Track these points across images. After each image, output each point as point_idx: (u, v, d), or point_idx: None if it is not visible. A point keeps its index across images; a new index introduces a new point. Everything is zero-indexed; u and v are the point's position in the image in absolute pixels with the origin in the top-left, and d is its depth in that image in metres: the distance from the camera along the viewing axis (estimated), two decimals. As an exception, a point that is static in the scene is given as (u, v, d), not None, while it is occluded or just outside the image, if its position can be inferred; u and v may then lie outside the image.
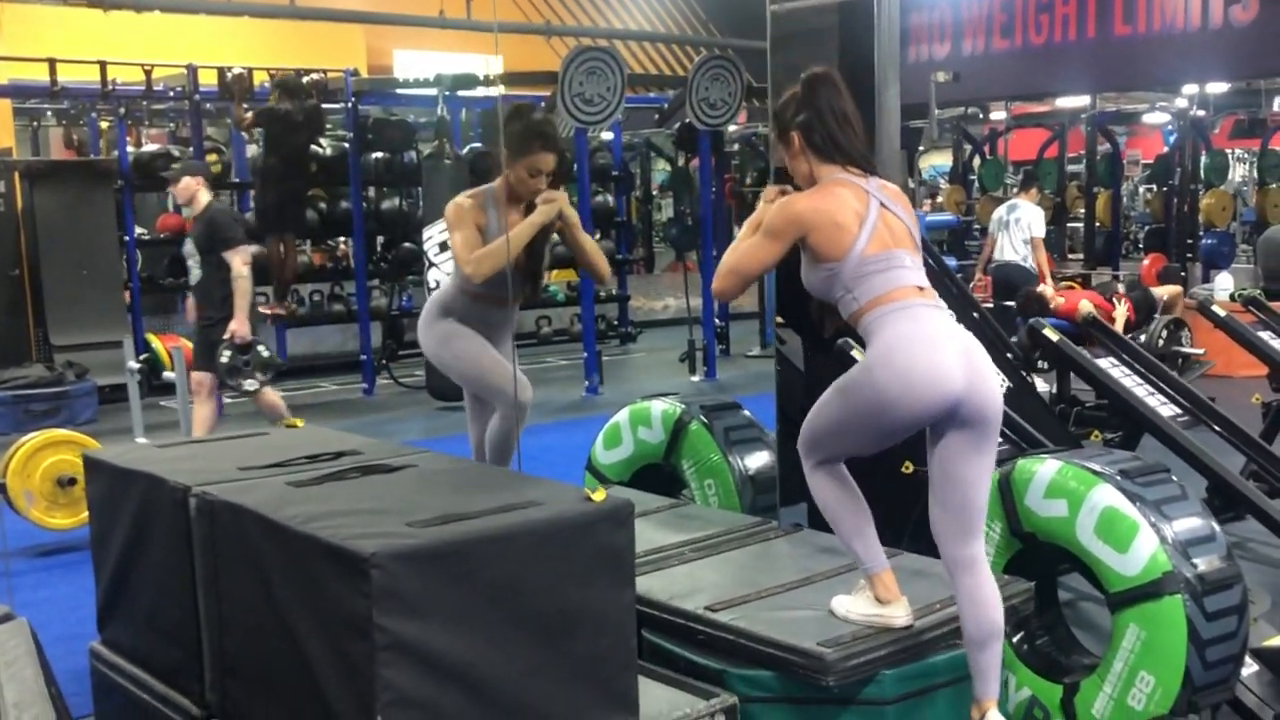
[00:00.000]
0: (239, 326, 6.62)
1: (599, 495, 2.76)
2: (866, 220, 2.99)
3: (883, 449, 3.10)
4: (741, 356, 12.47)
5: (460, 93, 11.17)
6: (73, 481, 5.92)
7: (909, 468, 4.18)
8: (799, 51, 4.44)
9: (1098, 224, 13.41)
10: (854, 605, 3.14)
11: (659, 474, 4.81)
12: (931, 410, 2.90)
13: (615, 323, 13.18)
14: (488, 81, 11.95)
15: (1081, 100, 13.44)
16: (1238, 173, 15.98)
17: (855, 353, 4.13)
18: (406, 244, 11.21)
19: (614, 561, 2.74)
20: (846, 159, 3.09)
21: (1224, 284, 9.59)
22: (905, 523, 4.25)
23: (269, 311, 10.48)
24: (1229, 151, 14.55)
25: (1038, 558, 3.60)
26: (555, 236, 4.34)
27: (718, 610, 3.23)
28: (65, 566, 5.79)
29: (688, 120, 11.42)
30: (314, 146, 10.41)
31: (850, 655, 2.94)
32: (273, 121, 9.80)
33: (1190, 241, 12.45)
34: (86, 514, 5.69)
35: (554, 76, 10.39)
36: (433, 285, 9.53)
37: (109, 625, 3.42)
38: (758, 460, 4.51)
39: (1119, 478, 3.33)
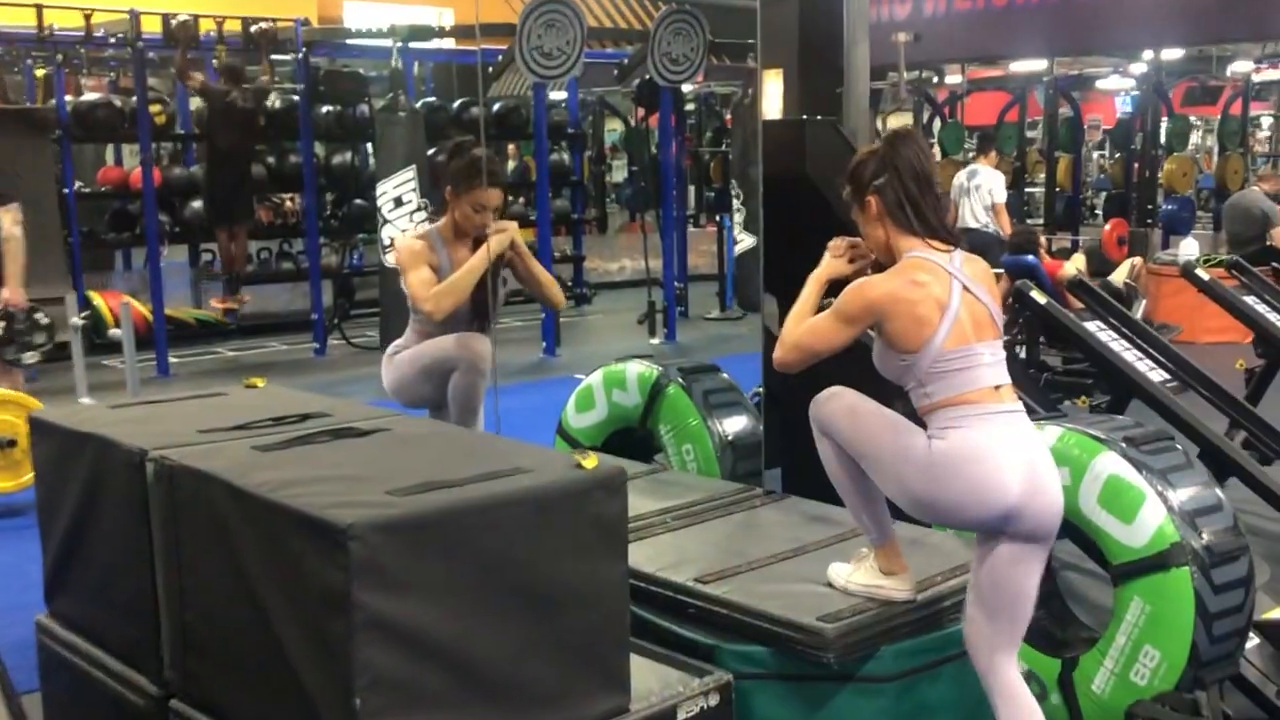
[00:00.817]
0: (12, 294, 6.09)
1: (590, 461, 2.59)
2: (948, 310, 2.75)
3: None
4: (701, 319, 12.32)
5: (414, 45, 10.87)
6: (12, 443, 5.66)
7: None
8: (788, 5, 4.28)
9: (1058, 189, 13.37)
10: (854, 575, 3.01)
11: (632, 439, 4.66)
12: (976, 522, 2.73)
13: (570, 284, 12.97)
14: (443, 33, 11.67)
15: (1038, 64, 13.37)
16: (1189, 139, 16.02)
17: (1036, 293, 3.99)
18: (358, 200, 10.93)
19: (606, 532, 2.58)
20: (929, 231, 2.84)
21: (1189, 249, 9.56)
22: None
23: (221, 306, 10.19)
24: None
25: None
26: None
27: (708, 582, 3.09)
28: (4, 532, 5.54)
29: (647, 76, 11.20)
30: (259, 132, 10.19)
31: (850, 630, 2.81)
32: (216, 109, 9.53)
33: (1150, 207, 12.45)
34: (26, 477, 5.49)
35: (511, 29, 10.13)
36: (386, 242, 9.30)
37: (57, 597, 3.21)
38: (737, 425, 4.36)
39: (1124, 445, 3.21)
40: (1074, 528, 3.32)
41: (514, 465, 2.57)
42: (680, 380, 4.42)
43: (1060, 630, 3.53)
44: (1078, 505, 3.22)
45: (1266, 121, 15.69)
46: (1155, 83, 12.59)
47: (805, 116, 4.23)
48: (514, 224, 4.26)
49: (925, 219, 2.82)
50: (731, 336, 11.38)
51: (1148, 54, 12.50)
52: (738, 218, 11.67)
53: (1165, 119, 12.67)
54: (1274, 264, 7.75)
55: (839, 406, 2.93)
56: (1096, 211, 15.67)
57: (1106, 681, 3.17)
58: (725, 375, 4.57)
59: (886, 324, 2.77)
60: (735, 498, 3.80)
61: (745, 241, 11.60)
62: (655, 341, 10.94)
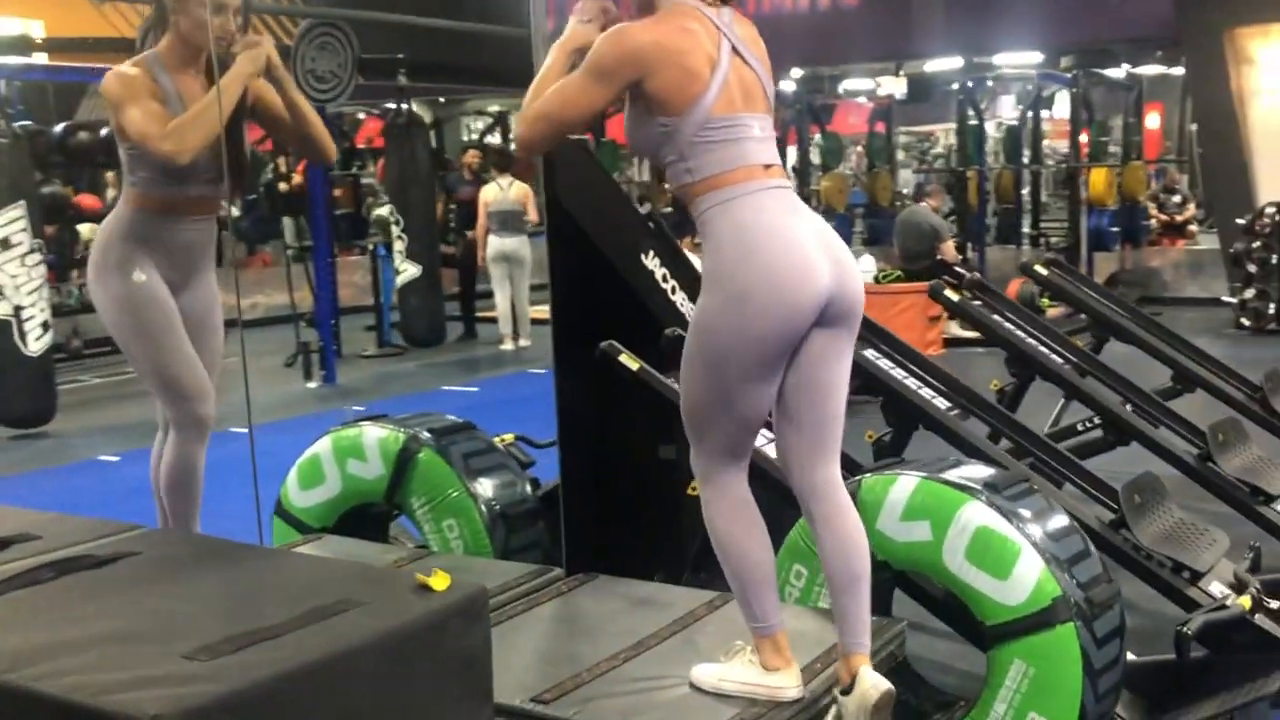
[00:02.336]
0: None
1: (438, 581, 2.06)
2: (718, 69, 2.43)
3: (768, 395, 2.51)
4: (357, 357, 11.59)
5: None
6: None
7: (695, 490, 3.71)
8: None
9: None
10: (729, 674, 2.60)
11: (365, 516, 4.07)
12: (803, 314, 2.40)
13: (204, 326, 11.87)
14: (39, 46, 10.39)
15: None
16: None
17: (624, 357, 3.61)
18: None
19: (469, 669, 2.07)
20: None
21: (866, 265, 9.86)
22: (687, 551, 3.80)
23: None
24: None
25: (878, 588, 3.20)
26: None
27: (548, 702, 2.59)
28: None
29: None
30: None
31: (748, 747, 2.41)
32: None
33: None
34: None
35: (114, 43, 9.10)
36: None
37: None
38: (507, 492, 3.86)
39: (987, 492, 2.98)
40: (924, 587, 3.08)
41: (337, 596, 1.99)
42: (434, 444, 3.87)
43: (913, 698, 3.27)
44: (942, 562, 2.96)
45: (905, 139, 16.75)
46: (806, 102, 13.04)
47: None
48: (267, 38, 3.33)
49: None
50: (399, 375, 10.77)
51: (796, 72, 12.95)
52: (399, 246, 11.10)
53: (820, 137, 13.14)
54: (945, 278, 8.06)
55: (682, 410, 2.61)
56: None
57: (986, 755, 2.92)
58: (484, 434, 4.06)
59: (649, 79, 2.41)
60: (534, 583, 3.31)
61: (409, 271, 11.05)
62: (313, 385, 10.19)
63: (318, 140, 3.51)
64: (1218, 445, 4.47)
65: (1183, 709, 3.11)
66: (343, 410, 8.71)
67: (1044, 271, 5.77)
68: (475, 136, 18.23)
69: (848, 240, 12.86)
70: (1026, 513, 2.96)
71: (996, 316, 5.08)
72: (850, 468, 3.51)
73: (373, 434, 3.95)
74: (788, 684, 2.56)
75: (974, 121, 13.14)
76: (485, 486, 3.83)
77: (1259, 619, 3.06)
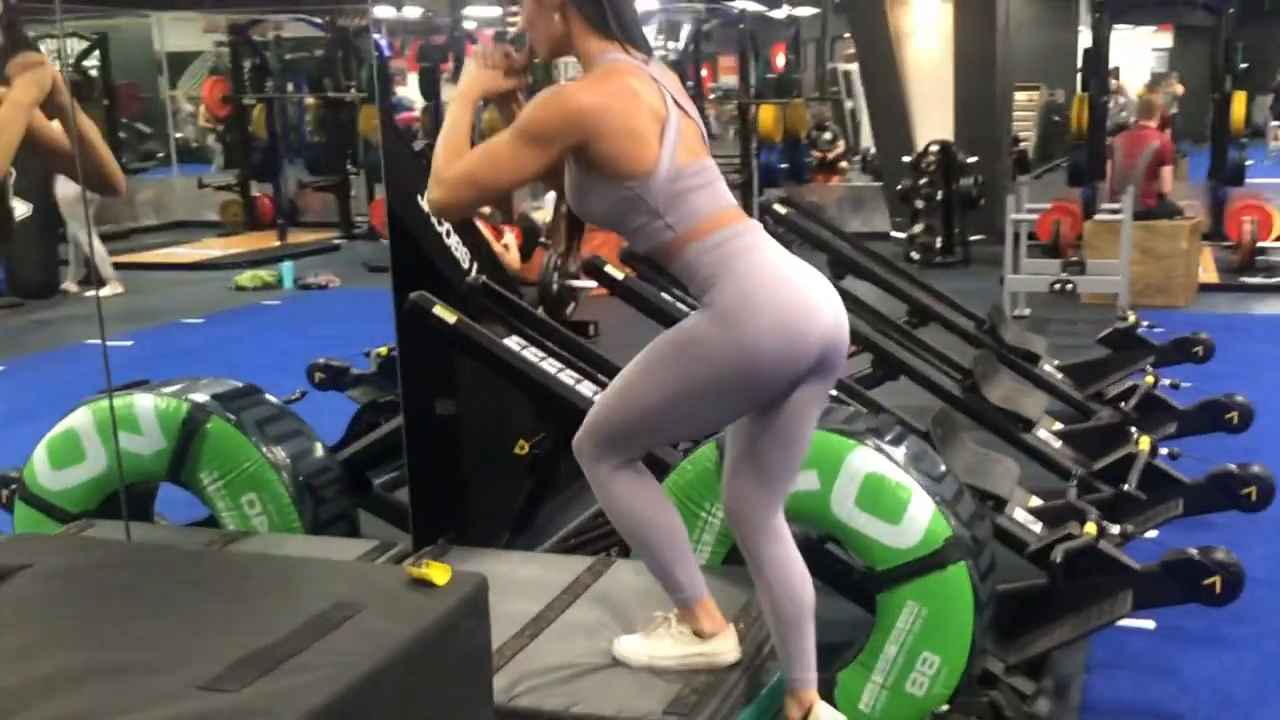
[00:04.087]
0: None
1: (439, 574, 1.89)
2: (669, 122, 2.34)
3: (730, 424, 2.48)
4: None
5: None
6: None
7: (523, 448, 3.61)
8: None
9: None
10: (659, 650, 2.52)
11: (127, 495, 3.68)
12: (807, 361, 2.33)
13: None
14: None
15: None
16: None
17: (439, 309, 3.43)
18: None
19: (473, 670, 1.91)
20: (627, 37, 2.40)
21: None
22: (508, 511, 3.70)
23: None
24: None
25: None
26: None
27: (475, 692, 2.43)
28: None
29: None
30: None
31: (711, 717, 2.36)
32: None
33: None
34: None
35: None
36: None
37: None
38: (310, 460, 3.59)
39: (872, 438, 3.04)
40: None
41: (331, 599, 1.77)
42: (221, 411, 3.53)
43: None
44: (830, 511, 3.00)
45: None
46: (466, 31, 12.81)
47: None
48: (49, 60, 2.81)
49: (626, 25, 2.41)
50: (25, 330, 9.85)
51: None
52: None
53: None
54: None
55: (611, 407, 2.45)
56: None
57: (877, 697, 3.01)
58: (272, 397, 3.75)
59: (596, 144, 2.31)
60: (382, 560, 3.09)
61: (18, 210, 10.03)
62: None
63: (106, 172, 2.99)
64: (980, 377, 4.78)
65: (1035, 635, 3.32)
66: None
67: (783, 210, 5.94)
68: (71, 60, 16.78)
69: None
70: (909, 456, 3.05)
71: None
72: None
73: (146, 403, 3.57)
74: (725, 648, 2.52)
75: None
76: (286, 455, 3.54)
77: (1103, 545, 3.30)
